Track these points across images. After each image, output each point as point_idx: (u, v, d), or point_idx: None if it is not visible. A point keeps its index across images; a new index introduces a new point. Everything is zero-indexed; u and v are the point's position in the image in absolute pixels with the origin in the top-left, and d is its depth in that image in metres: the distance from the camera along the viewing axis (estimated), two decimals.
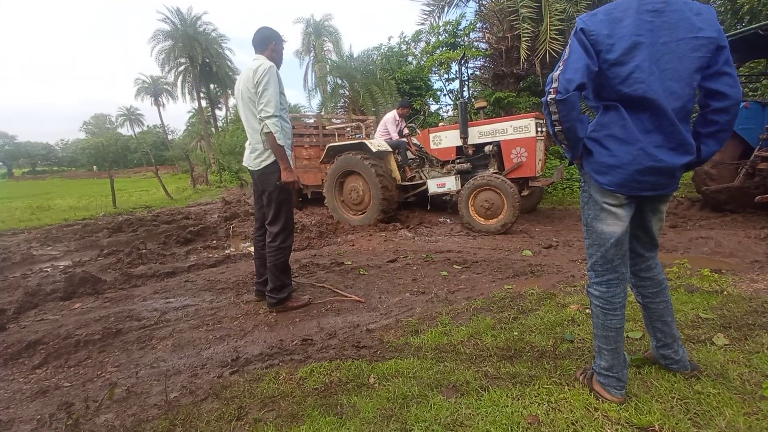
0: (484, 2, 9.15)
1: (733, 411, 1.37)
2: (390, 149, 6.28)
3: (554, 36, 7.32)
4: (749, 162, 4.91)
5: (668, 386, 1.57)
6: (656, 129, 1.33)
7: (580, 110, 1.37)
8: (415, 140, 6.64)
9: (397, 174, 6.28)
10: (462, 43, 10.11)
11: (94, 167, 49.21)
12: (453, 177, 5.79)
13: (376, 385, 1.77)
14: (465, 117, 5.61)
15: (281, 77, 2.72)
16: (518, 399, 1.55)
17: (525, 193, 5.62)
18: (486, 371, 1.80)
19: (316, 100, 21.99)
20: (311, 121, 8.88)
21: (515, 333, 2.19)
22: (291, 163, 2.76)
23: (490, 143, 5.60)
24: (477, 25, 9.68)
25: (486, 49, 9.14)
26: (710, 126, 1.37)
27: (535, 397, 1.55)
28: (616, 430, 1.34)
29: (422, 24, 9.97)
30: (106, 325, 2.67)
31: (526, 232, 5.36)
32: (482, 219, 5.38)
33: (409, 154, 6.58)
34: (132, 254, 4.82)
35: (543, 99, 1.40)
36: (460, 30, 10.13)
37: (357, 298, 3.00)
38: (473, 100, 8.60)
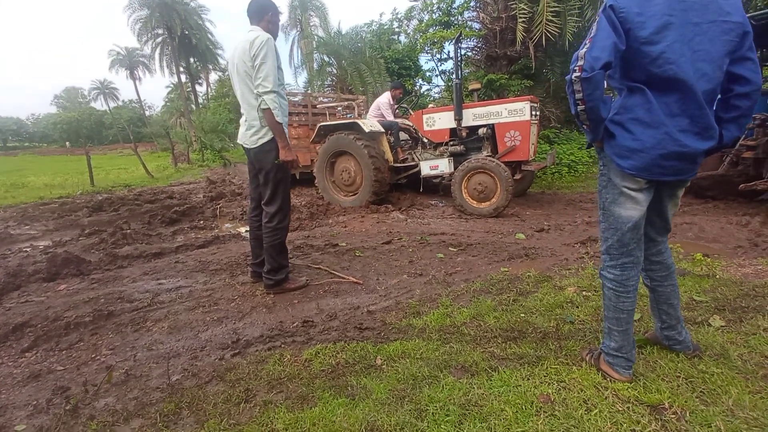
0: None
1: (738, 390, 1.42)
2: (382, 130, 6.18)
3: (550, 18, 7.24)
4: (734, 151, 5.02)
5: (673, 366, 1.61)
6: (682, 113, 1.32)
7: (604, 90, 1.34)
8: (407, 121, 6.55)
9: (389, 155, 6.21)
10: (456, 22, 9.91)
11: (67, 143, 47.13)
12: (446, 159, 5.75)
13: (384, 366, 1.76)
14: (460, 99, 5.55)
15: (278, 51, 2.59)
16: (528, 379, 1.57)
17: (517, 176, 5.63)
18: (492, 352, 1.82)
19: (303, 77, 21.48)
20: (298, 99, 8.55)
21: (517, 315, 2.21)
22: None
23: (484, 126, 5.56)
24: (471, 4, 9.48)
25: (479, 30, 8.99)
26: (732, 111, 1.36)
27: (545, 377, 1.57)
28: (627, 407, 1.38)
29: (415, 1, 9.71)
30: (97, 306, 2.58)
31: (518, 216, 5.41)
32: (475, 202, 5.38)
33: (402, 135, 6.49)
34: (116, 234, 4.65)
35: (567, 77, 1.36)
36: (454, 8, 9.92)
37: (355, 280, 2.98)
38: (466, 81, 8.48)
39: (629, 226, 1.45)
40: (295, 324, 2.30)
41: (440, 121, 5.92)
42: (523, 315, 2.20)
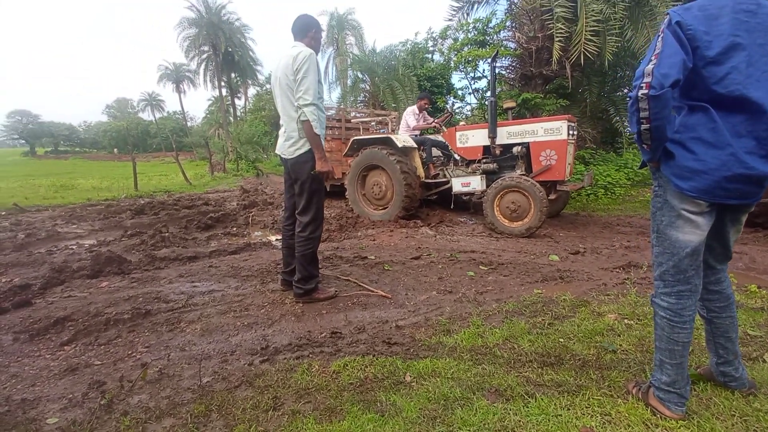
0: (515, 1, 8.96)
1: None
2: (415, 145, 6.20)
3: (589, 38, 7.11)
4: None
5: (728, 404, 1.48)
6: (749, 133, 1.25)
7: (671, 108, 1.28)
8: (440, 138, 6.55)
9: (421, 171, 6.20)
10: (491, 41, 9.93)
11: (115, 150, 50.20)
12: (478, 177, 5.67)
13: (414, 383, 1.71)
14: (494, 116, 5.48)
15: (320, 67, 2.67)
16: (568, 409, 1.47)
17: (552, 196, 5.48)
18: (528, 377, 1.73)
19: (336, 93, 22.03)
20: (331, 113, 8.75)
21: (554, 339, 2.11)
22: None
23: (518, 144, 5.47)
24: (507, 24, 9.49)
25: (515, 49, 8.96)
26: None
27: (587, 408, 1.48)
28: None
29: (450, 20, 9.83)
30: (135, 305, 2.67)
31: (551, 237, 5.24)
32: (507, 221, 5.26)
33: (434, 152, 6.48)
34: (155, 237, 4.85)
35: (631, 94, 1.30)
36: (490, 28, 9.96)
37: (383, 294, 2.95)
38: (500, 100, 8.44)
39: (687, 251, 1.36)
40: (323, 334, 2.29)
41: (474, 138, 5.87)
42: (561, 340, 2.09)
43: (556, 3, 7.31)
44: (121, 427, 1.51)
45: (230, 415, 1.53)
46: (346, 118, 8.48)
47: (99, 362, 2.04)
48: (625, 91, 9.90)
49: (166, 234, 5.02)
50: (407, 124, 6.65)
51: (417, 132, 6.62)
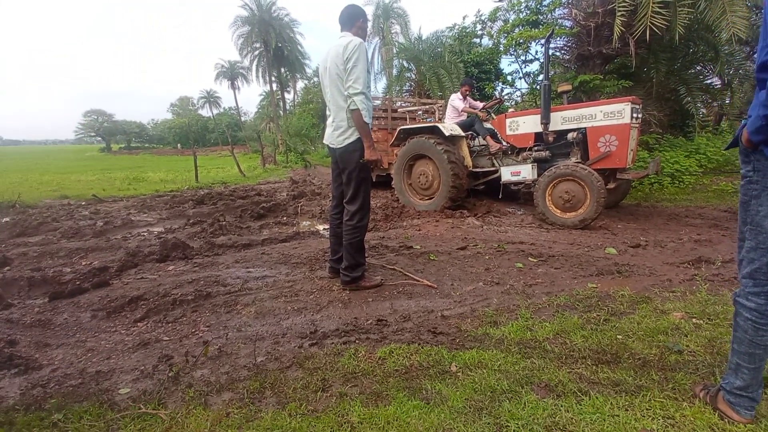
0: None
1: None
2: (463, 134, 6.03)
3: (657, 10, 6.45)
4: None
5: None
6: None
7: None
8: (488, 125, 6.32)
9: (469, 160, 6.02)
10: (545, 20, 9.37)
11: (179, 145, 54.03)
12: (529, 165, 5.40)
13: (459, 374, 1.70)
14: (548, 101, 5.18)
15: (368, 56, 2.68)
16: (627, 410, 1.39)
17: (611, 186, 5.10)
18: (581, 374, 1.66)
19: (382, 83, 22.02)
20: (377, 103, 8.73)
21: (610, 336, 1.99)
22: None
23: (574, 130, 5.12)
24: (563, 1, 8.87)
25: (572, 27, 8.37)
26: None
27: (647, 410, 1.39)
28: None
29: (501, 1, 9.38)
30: (198, 287, 2.88)
31: (607, 228, 4.91)
32: (559, 211, 5.00)
33: (486, 125, 6.20)
34: (214, 225, 5.19)
35: None
36: (544, 6, 9.39)
37: (429, 284, 2.95)
38: (553, 84, 7.97)
39: None
40: (369, 321, 2.34)
41: (525, 125, 5.59)
42: (619, 337, 1.97)
43: None
44: (186, 397, 1.65)
45: (282, 393, 1.62)
46: (392, 108, 8.43)
47: (167, 338, 2.24)
48: (699, 68, 8.91)
49: (224, 222, 5.34)
50: (454, 109, 6.50)
51: (464, 116, 6.43)
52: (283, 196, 8.20)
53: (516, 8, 9.83)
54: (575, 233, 4.70)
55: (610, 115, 4.83)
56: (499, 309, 2.44)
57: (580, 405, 1.42)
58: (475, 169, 6.08)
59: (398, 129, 6.60)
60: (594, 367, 1.71)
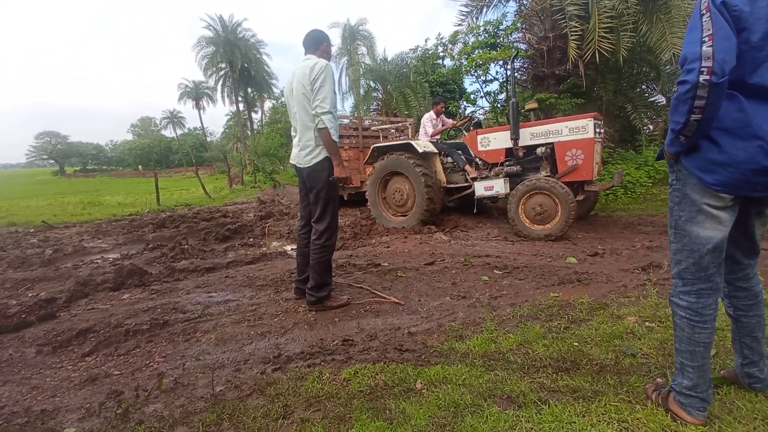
0: (524, 2, 8.90)
1: None
2: (436, 150, 6.11)
3: (603, 35, 6.97)
4: None
5: (751, 407, 1.41)
6: None
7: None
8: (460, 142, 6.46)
9: (442, 177, 6.09)
10: (502, 43, 9.88)
11: (140, 167, 52.05)
12: (502, 179, 5.51)
13: (424, 391, 1.69)
14: (516, 118, 5.36)
15: (334, 76, 2.73)
16: (583, 416, 1.42)
17: (579, 198, 5.26)
18: (542, 383, 1.69)
19: (349, 102, 22.30)
20: (346, 122, 8.76)
21: (569, 344, 2.05)
22: None
23: (542, 145, 5.32)
24: (518, 25, 9.41)
25: (526, 50, 8.87)
26: None
27: (603, 414, 1.42)
28: None
29: (460, 25, 9.81)
30: (154, 316, 2.74)
31: (568, 239, 5.11)
32: (531, 223, 5.13)
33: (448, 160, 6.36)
34: (175, 249, 4.98)
35: (688, 78, 1.16)
36: (501, 30, 9.91)
37: (396, 300, 2.94)
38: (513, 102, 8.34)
39: (708, 248, 1.30)
40: (335, 342, 2.29)
41: (495, 141, 5.74)
42: (576, 344, 2.03)
43: (568, 1, 7.21)
44: None
45: (241, 424, 1.55)
46: (363, 126, 8.41)
47: (118, 372, 2.10)
48: (643, 87, 9.63)
49: (186, 246, 5.15)
50: (425, 132, 6.61)
51: (436, 138, 6.55)
52: (250, 216, 8.03)
53: (475, 32, 10.32)
54: (538, 244, 4.86)
55: (575, 131, 5.05)
56: (465, 323, 2.47)
57: (540, 414, 1.44)
58: (449, 185, 6.14)
59: (372, 147, 6.63)
60: (554, 375, 1.75)
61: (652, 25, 7.16)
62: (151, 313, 2.81)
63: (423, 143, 6.15)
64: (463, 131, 6.58)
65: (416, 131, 7.93)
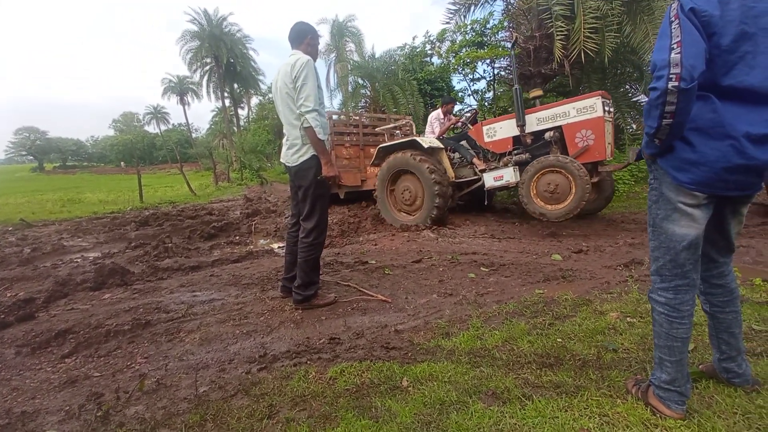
0: (511, 1, 8.96)
1: None
2: (441, 146, 6.01)
3: (588, 35, 7.07)
4: None
5: (730, 402, 1.45)
6: (752, 123, 1.20)
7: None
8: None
9: (451, 172, 5.95)
10: (489, 42, 9.94)
11: (122, 163, 50.91)
12: (511, 168, 5.33)
13: (410, 388, 1.69)
14: (520, 104, 5.22)
15: (318, 72, 2.69)
16: (566, 410, 1.45)
17: (594, 179, 5.10)
18: (526, 378, 1.71)
19: (337, 99, 22.16)
20: (339, 117, 8.49)
21: (553, 340, 2.08)
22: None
23: (550, 129, 5.18)
24: (504, 24, 9.48)
25: (513, 49, 8.95)
26: None
27: (585, 409, 1.45)
28: None
29: (447, 23, 9.83)
30: (136, 316, 2.68)
31: (554, 236, 5.19)
32: (545, 203, 4.99)
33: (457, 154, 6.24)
34: (158, 247, 4.89)
35: (657, 84, 1.19)
36: (488, 29, 9.97)
37: (383, 298, 2.94)
38: (499, 101, 8.40)
39: (684, 245, 1.33)
40: (321, 341, 2.28)
41: (502, 130, 5.61)
42: (559, 340, 2.06)
43: (554, 1, 7.29)
44: None
45: (225, 425, 1.53)
46: (363, 124, 8.19)
47: (98, 374, 2.05)
48: (627, 87, 9.81)
49: (170, 244, 5.05)
50: (432, 130, 6.53)
51: (443, 137, 6.46)
52: (237, 214, 7.93)
53: (462, 30, 10.36)
54: (525, 241, 4.92)
55: (583, 111, 4.91)
56: (452, 320, 2.48)
57: (524, 410, 1.46)
58: (458, 180, 6.03)
59: (377, 147, 6.50)
60: (538, 371, 1.77)
61: (635, 26, 7.30)
62: (132, 313, 2.75)
63: (428, 139, 6.03)
64: (468, 125, 6.44)
65: (413, 129, 7.83)
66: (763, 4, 1.18)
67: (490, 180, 5.54)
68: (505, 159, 5.62)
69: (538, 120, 5.27)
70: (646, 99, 1.28)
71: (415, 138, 6.02)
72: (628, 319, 2.32)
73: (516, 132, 5.42)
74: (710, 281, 1.49)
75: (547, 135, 5.21)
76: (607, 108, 4.93)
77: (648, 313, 2.36)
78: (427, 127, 6.75)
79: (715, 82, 1.22)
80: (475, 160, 5.88)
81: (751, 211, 5.49)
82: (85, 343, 2.36)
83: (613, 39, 7.32)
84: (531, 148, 5.41)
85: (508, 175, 5.37)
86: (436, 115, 6.58)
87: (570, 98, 5.35)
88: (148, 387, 1.85)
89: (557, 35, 7.30)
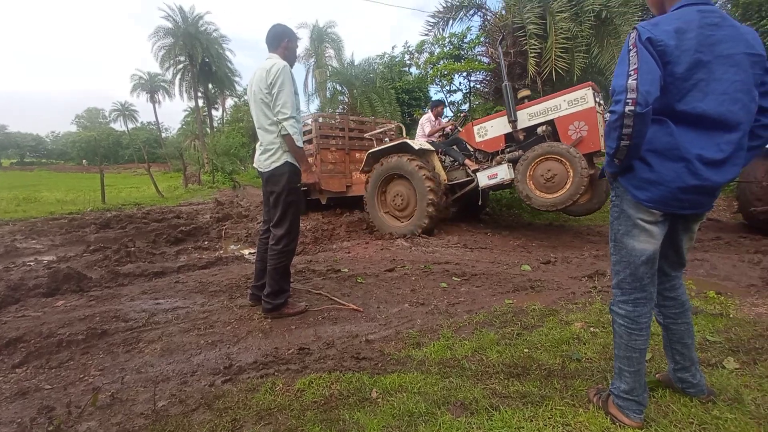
0: (488, 17, 9.26)
1: None
2: (432, 148, 5.92)
3: (559, 54, 7.40)
4: None
5: (686, 411, 1.51)
6: (705, 146, 1.28)
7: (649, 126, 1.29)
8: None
9: (442, 174, 5.85)
10: (466, 55, 10.19)
11: (84, 161, 48.48)
12: (505, 165, 5.26)
13: (379, 400, 1.68)
14: (511, 100, 5.13)
15: (294, 77, 2.65)
16: (531, 420, 1.47)
17: (591, 171, 4.92)
18: (494, 389, 1.73)
19: (315, 104, 22.06)
20: (322, 120, 8.07)
21: (521, 350, 2.12)
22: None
23: (542, 124, 5.11)
24: (481, 40, 9.77)
25: (488, 63, 9.23)
26: (755, 140, 1.35)
27: (549, 419, 1.48)
28: None
29: (426, 35, 10.05)
30: (91, 325, 2.53)
31: (524, 247, 5.33)
32: (542, 192, 4.93)
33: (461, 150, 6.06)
34: (120, 252, 4.67)
35: (615, 108, 1.26)
36: (465, 43, 10.23)
37: (355, 307, 2.91)
38: (474, 113, 8.61)
39: (643, 259, 1.41)
40: (290, 351, 2.23)
41: (493, 129, 5.55)
42: (526, 350, 2.10)
43: (528, 20, 7.59)
44: None
45: None
46: (349, 128, 7.94)
47: (49, 386, 1.92)
48: None
49: (132, 249, 4.83)
50: (423, 133, 6.43)
51: (433, 138, 6.39)
52: (206, 218, 7.71)
53: (440, 43, 10.58)
54: (496, 251, 5.02)
55: (574, 103, 4.90)
56: (423, 330, 2.49)
57: (491, 420, 1.47)
58: (450, 182, 5.93)
59: (367, 153, 6.33)
60: (506, 381, 1.80)
61: (603, 48, 7.70)
62: (88, 321, 2.60)
63: (419, 142, 5.93)
64: (459, 127, 6.37)
65: (401, 133, 7.63)
66: (722, 32, 1.26)
67: (484, 179, 5.46)
68: (498, 158, 5.54)
69: (529, 115, 5.21)
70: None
71: (405, 140, 5.90)
72: (591, 329, 2.40)
73: (507, 129, 5.37)
74: (663, 294, 1.57)
75: (539, 130, 5.16)
76: (597, 100, 4.95)
77: (609, 324, 2.44)
78: (418, 129, 6.65)
79: (672, 107, 1.30)
80: (467, 161, 5.82)
81: (705, 226, 5.85)
82: (36, 353, 2.21)
83: (582, 59, 7.69)
84: (524, 144, 5.34)
85: (502, 172, 5.28)
86: (427, 117, 6.52)
87: (560, 91, 5.30)
88: (102, 401, 1.75)
89: (531, 53, 7.59)
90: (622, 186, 1.42)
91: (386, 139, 7.59)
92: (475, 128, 5.74)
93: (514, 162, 5.28)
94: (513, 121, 5.21)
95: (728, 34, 1.27)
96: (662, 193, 1.33)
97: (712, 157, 1.28)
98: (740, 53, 1.26)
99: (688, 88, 1.27)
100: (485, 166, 5.62)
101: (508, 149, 5.49)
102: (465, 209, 6.77)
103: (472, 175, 5.69)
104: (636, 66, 1.24)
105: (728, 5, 8.35)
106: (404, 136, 6.87)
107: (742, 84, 1.26)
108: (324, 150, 7.35)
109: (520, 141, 5.35)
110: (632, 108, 1.21)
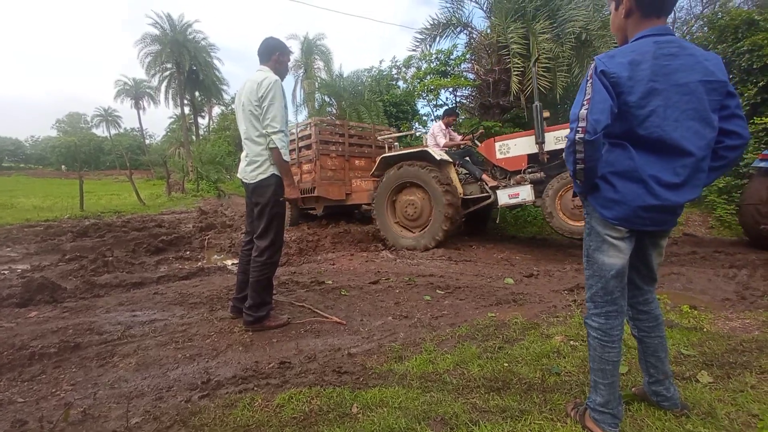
0: (474, 35, 9.51)
1: None
2: (450, 159, 5.78)
3: (542, 73, 7.63)
4: None
5: (660, 425, 1.54)
6: (663, 169, 1.36)
7: (602, 151, 1.38)
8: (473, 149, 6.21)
9: (459, 187, 5.72)
10: (452, 71, 10.41)
11: (63, 167, 47.21)
12: (528, 186, 5.18)
13: (360, 415, 1.66)
14: (541, 122, 5.05)
15: (284, 91, 2.68)
16: None
17: None
18: (475, 403, 1.73)
19: (303, 115, 22.12)
20: (302, 127, 7.83)
21: (502, 363, 2.14)
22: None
23: None
24: (467, 56, 10.02)
25: (474, 80, 9.44)
26: (719, 161, 1.42)
27: None
28: None
29: (414, 50, 10.24)
30: (64, 337, 2.45)
31: (507, 260, 5.39)
32: (573, 221, 4.89)
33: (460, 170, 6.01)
34: (97, 261, 4.54)
35: (569, 136, 1.38)
36: (451, 59, 10.46)
37: (338, 320, 2.89)
38: (461, 127, 8.77)
39: (612, 273, 1.46)
40: (271, 365, 2.20)
41: (516, 147, 5.43)
42: (507, 364, 2.12)
43: (512, 40, 7.83)
44: None
45: None
46: (349, 134, 7.69)
47: (22, 400, 1.86)
48: None
49: (110, 258, 4.71)
50: (435, 143, 6.28)
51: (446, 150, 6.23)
52: (189, 227, 7.58)
53: (428, 58, 10.79)
54: (480, 264, 5.06)
55: None
56: (405, 343, 2.48)
57: None
58: (465, 196, 5.79)
59: (379, 157, 6.11)
60: (486, 395, 1.81)
61: (582, 68, 7.97)
62: (61, 334, 2.52)
63: (438, 151, 5.80)
64: (476, 141, 6.27)
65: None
66: (678, 62, 1.34)
67: (504, 197, 5.36)
68: (518, 177, 5.42)
69: (556, 139, 5.11)
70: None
71: (426, 149, 5.73)
72: (571, 342, 2.43)
73: (532, 150, 5.27)
74: (637, 308, 1.62)
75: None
76: None
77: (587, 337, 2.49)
78: (429, 139, 6.48)
79: (634, 132, 1.38)
80: (484, 176, 5.69)
81: (681, 240, 6.03)
82: (7, 366, 2.14)
83: (564, 78, 7.94)
84: (547, 167, 5.25)
85: (524, 193, 5.21)
86: (438, 126, 6.35)
87: None
88: (74, 417, 1.69)
89: (514, 71, 7.81)
90: (591, 205, 1.50)
91: (396, 144, 7.38)
92: (497, 144, 5.61)
93: (535, 183, 5.23)
94: (540, 143, 5.13)
95: (684, 63, 1.34)
96: (625, 212, 1.40)
97: (669, 180, 1.36)
98: (694, 81, 1.33)
99: (645, 114, 1.34)
100: (504, 184, 5.49)
101: (530, 170, 5.37)
102: (468, 223, 6.64)
103: (488, 191, 5.59)
104: (589, 96, 1.34)
105: (705, 28, 8.74)
106: (424, 144, 6.59)
107: (694, 112, 1.34)
108: (324, 156, 7.11)
109: (543, 163, 5.24)
110: (582, 135, 1.31)
